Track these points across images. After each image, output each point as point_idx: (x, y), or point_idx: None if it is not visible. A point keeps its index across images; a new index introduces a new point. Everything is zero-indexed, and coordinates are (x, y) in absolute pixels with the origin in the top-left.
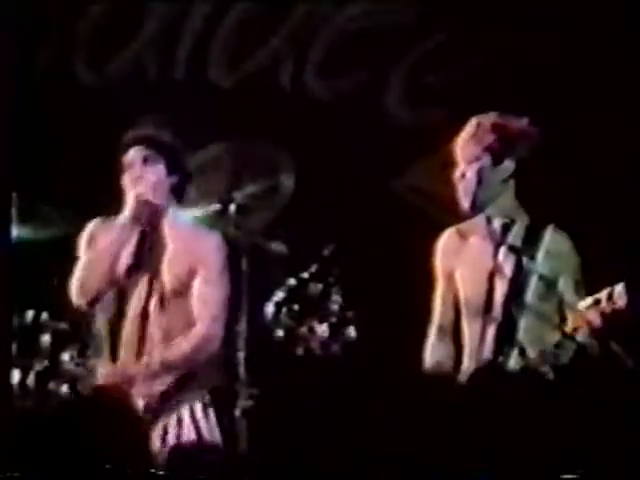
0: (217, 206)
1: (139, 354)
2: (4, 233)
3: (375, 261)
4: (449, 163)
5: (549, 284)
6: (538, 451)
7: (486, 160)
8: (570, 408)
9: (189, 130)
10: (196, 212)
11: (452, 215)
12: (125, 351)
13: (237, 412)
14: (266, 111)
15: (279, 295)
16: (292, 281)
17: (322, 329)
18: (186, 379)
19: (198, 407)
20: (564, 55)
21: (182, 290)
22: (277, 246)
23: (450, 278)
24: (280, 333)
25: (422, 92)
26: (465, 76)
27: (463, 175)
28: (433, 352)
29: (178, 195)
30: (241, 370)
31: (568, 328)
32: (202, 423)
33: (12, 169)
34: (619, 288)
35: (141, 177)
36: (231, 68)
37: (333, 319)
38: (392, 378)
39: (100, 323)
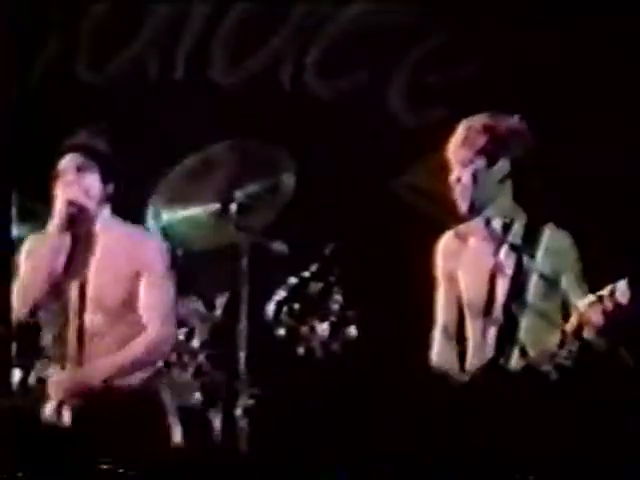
0: (218, 206)
1: (85, 362)
2: (4, 233)
3: (376, 260)
4: (449, 163)
5: (551, 283)
6: (540, 451)
7: (480, 162)
8: (572, 408)
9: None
10: (197, 211)
11: (452, 215)
12: (71, 360)
13: (238, 411)
14: (267, 111)
15: (280, 294)
16: (293, 280)
17: (323, 328)
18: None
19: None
20: (564, 55)
21: (128, 297)
22: (278, 245)
23: (452, 279)
24: (281, 332)
25: (423, 92)
26: (466, 76)
27: (459, 179)
28: (439, 353)
29: (113, 203)
30: (242, 369)
31: (571, 326)
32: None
33: (12, 169)
34: (622, 285)
35: (74, 183)
36: (231, 68)
37: (334, 318)
38: (393, 377)
39: (47, 332)
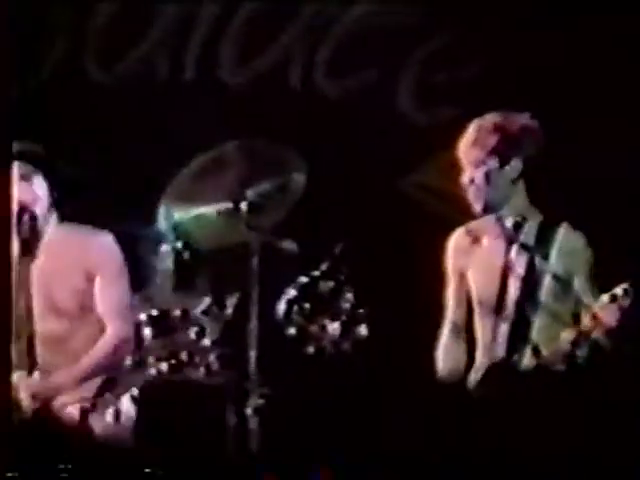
0: (228, 205)
1: (51, 367)
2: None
3: (386, 259)
4: (459, 162)
5: (563, 282)
6: (551, 449)
7: (493, 163)
8: (584, 407)
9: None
10: (208, 211)
11: (462, 213)
12: (40, 368)
13: (249, 410)
14: (276, 110)
15: (290, 293)
16: (303, 279)
17: (333, 327)
18: (107, 384)
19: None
20: (572, 54)
21: (84, 299)
22: (288, 244)
23: (462, 277)
24: (292, 331)
25: (431, 91)
26: (474, 75)
27: (472, 180)
28: (446, 350)
29: (60, 210)
30: (252, 368)
31: (584, 326)
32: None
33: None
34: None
35: (22, 191)
36: (241, 67)
37: (344, 317)
38: (403, 376)
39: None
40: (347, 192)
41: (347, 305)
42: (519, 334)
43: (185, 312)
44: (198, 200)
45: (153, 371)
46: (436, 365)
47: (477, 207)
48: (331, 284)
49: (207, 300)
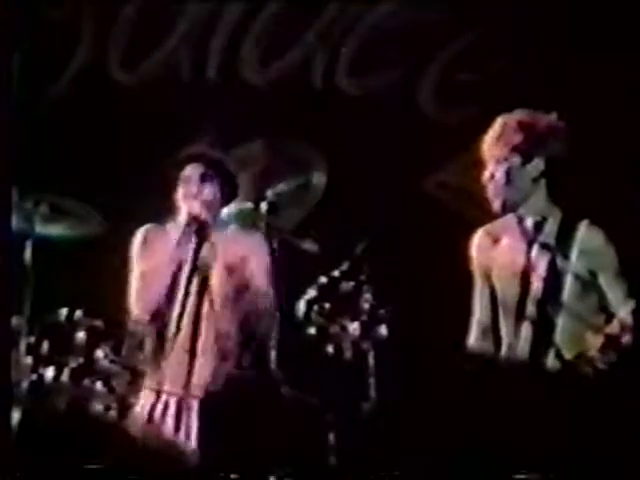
0: (249, 204)
1: (192, 354)
2: (4, 233)
3: (406, 259)
4: (481, 161)
5: (585, 281)
6: (578, 450)
7: (515, 160)
8: (612, 411)
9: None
10: (229, 209)
11: (484, 213)
12: (177, 351)
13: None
14: (298, 109)
15: (310, 293)
16: (323, 279)
17: (353, 327)
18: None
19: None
20: (598, 52)
21: (239, 286)
22: (308, 244)
23: (487, 276)
24: (311, 331)
25: (454, 90)
26: (497, 74)
27: (492, 176)
28: (474, 350)
29: (228, 204)
30: (273, 368)
31: (611, 331)
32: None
33: (44, 166)
34: None
35: (197, 194)
36: (263, 67)
37: (364, 317)
38: (424, 376)
39: (149, 330)
40: (368, 191)
41: (367, 305)
42: (542, 335)
43: None
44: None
45: None
46: (457, 365)
47: (496, 204)
48: (351, 284)
49: None
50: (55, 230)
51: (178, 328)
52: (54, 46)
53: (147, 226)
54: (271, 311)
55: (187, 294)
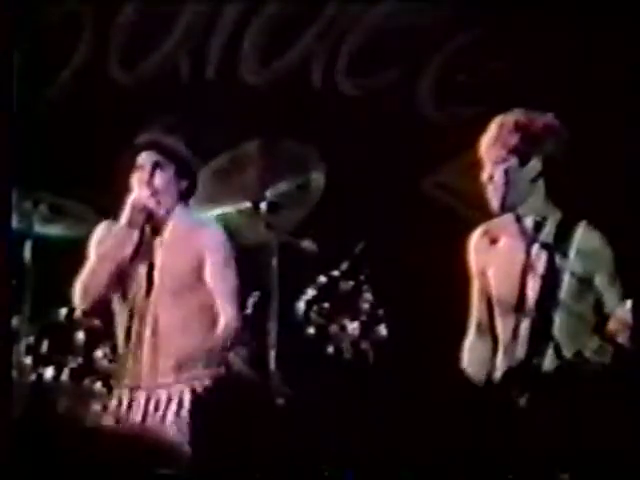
0: (248, 204)
1: (154, 349)
2: (4, 232)
3: (406, 259)
4: (479, 161)
5: (583, 282)
6: (577, 450)
7: (513, 161)
8: (612, 411)
9: (199, 135)
10: (227, 210)
11: (482, 213)
12: (136, 347)
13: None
14: (297, 109)
15: (310, 293)
16: (323, 279)
17: (353, 327)
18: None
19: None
20: (597, 52)
21: (191, 280)
22: (308, 244)
23: (483, 276)
24: (311, 331)
25: (452, 90)
26: (496, 74)
27: (491, 177)
28: (472, 349)
29: (185, 199)
30: (272, 368)
31: (608, 331)
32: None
33: (44, 166)
34: None
35: (149, 182)
36: (262, 67)
37: (364, 317)
38: (423, 377)
39: (117, 326)
40: (367, 192)
41: (367, 305)
42: (540, 334)
43: None
44: (218, 200)
45: None
46: (456, 365)
47: (495, 204)
48: (351, 284)
49: None
50: (54, 230)
51: (131, 319)
52: (54, 46)
53: (102, 223)
54: (228, 323)
55: (132, 282)
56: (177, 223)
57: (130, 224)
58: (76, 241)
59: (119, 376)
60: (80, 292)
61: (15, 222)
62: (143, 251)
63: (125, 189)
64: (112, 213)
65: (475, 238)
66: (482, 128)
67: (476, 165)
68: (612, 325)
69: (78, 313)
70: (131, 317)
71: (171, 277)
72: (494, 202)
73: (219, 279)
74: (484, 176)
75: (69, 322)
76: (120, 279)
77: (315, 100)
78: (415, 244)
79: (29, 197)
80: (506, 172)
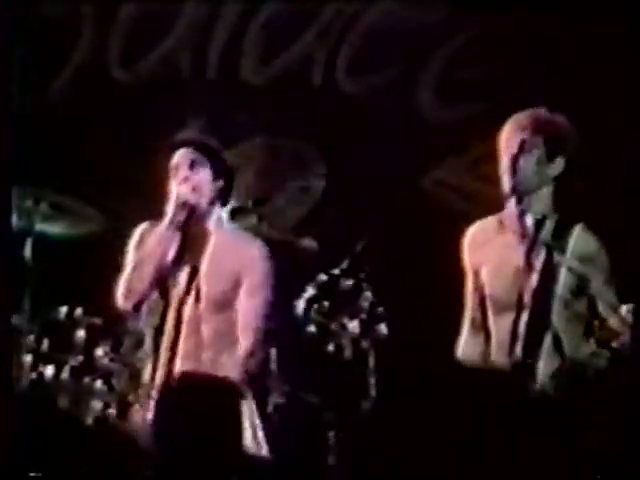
0: (249, 203)
1: (186, 356)
2: (4, 231)
3: (406, 257)
4: (479, 160)
5: (579, 285)
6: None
7: (542, 152)
8: (611, 411)
9: (227, 130)
10: (229, 208)
11: (482, 210)
12: (168, 352)
13: (269, 408)
14: (297, 108)
15: (310, 291)
16: (323, 277)
17: (353, 325)
18: None
19: None
20: (598, 52)
21: (227, 300)
22: (308, 242)
23: (476, 273)
24: (311, 329)
25: (452, 89)
26: (496, 73)
27: (515, 159)
28: (466, 346)
29: (223, 198)
30: (273, 366)
31: (605, 335)
32: None
33: (44, 165)
34: None
35: (187, 179)
36: (263, 66)
37: (364, 315)
38: (423, 374)
39: (146, 324)
40: (367, 190)
41: (367, 303)
42: (535, 334)
43: None
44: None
45: None
46: (457, 363)
47: (507, 185)
48: (351, 282)
49: None
50: (55, 228)
51: (163, 321)
52: (54, 45)
53: (144, 224)
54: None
55: (173, 284)
56: (221, 233)
57: (173, 223)
58: (77, 239)
59: (139, 375)
60: (124, 292)
61: (16, 220)
62: (185, 253)
63: (126, 187)
64: (112, 211)
65: (470, 235)
66: (481, 126)
67: (476, 163)
68: (607, 329)
69: (79, 312)
70: (163, 317)
71: (213, 286)
72: (508, 182)
73: (251, 302)
74: (508, 154)
75: (69, 320)
76: (160, 279)
77: (316, 98)
78: (415, 242)
79: (30, 195)
80: (534, 160)
